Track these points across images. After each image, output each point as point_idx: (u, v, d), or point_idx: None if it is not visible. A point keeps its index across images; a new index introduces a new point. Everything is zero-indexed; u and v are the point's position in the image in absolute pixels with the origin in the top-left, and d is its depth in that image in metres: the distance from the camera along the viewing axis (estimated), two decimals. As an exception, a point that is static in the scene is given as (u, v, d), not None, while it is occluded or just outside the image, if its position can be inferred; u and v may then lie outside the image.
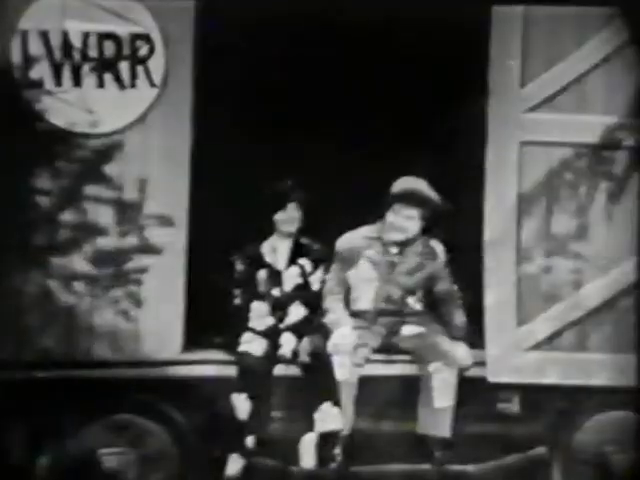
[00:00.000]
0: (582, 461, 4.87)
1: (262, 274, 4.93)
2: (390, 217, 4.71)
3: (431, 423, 4.53)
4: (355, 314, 4.82)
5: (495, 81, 5.03)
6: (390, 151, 5.37)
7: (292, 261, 5.00)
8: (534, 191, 5.04)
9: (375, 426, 4.79)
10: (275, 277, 4.94)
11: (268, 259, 4.98)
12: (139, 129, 5.04)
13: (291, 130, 5.37)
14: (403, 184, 4.70)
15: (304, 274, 4.95)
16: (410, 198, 4.67)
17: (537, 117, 5.05)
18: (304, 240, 5.04)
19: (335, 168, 5.40)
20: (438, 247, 4.90)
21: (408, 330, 4.79)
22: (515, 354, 4.95)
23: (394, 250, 4.78)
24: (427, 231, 4.88)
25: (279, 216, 4.97)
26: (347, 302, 4.83)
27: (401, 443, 4.71)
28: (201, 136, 5.09)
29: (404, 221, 4.71)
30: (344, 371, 4.51)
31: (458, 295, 4.85)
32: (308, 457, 4.63)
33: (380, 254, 4.75)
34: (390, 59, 5.34)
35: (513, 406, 4.93)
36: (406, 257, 4.80)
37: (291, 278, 4.95)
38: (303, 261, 4.97)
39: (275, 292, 4.94)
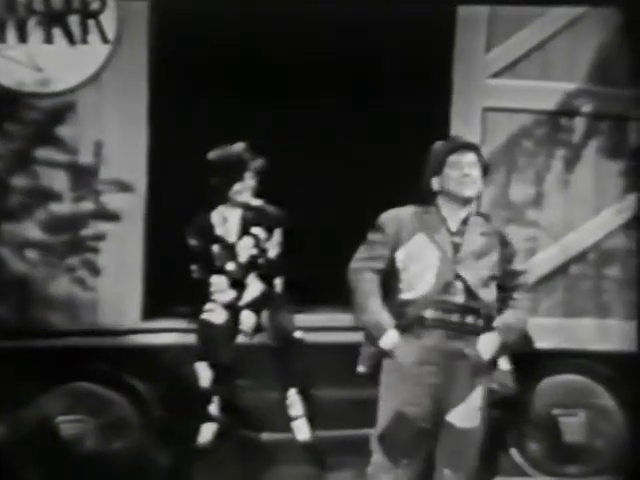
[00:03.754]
0: (533, 423, 5.05)
1: (215, 249, 4.78)
2: (448, 171, 3.74)
3: None
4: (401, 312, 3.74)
5: (461, 46, 4.97)
6: (353, 119, 5.26)
7: (245, 230, 4.77)
8: (494, 158, 5.05)
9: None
10: (229, 250, 4.78)
11: (219, 231, 4.76)
12: (92, 88, 4.83)
13: (250, 91, 5.17)
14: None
15: (258, 244, 4.80)
16: (467, 145, 3.81)
17: (500, 83, 5.04)
18: (256, 203, 4.77)
19: (298, 134, 5.25)
20: (502, 229, 3.91)
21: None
22: (473, 320, 5.05)
23: (454, 225, 3.78)
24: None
25: (236, 187, 4.73)
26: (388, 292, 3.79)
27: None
28: (159, 96, 4.87)
29: (469, 168, 3.74)
30: None
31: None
32: (302, 433, 4.71)
33: (442, 231, 3.76)
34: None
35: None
36: (470, 235, 3.77)
37: (245, 250, 4.77)
38: (256, 230, 4.76)
39: (230, 266, 4.79)
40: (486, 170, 3.87)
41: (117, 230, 4.85)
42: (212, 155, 4.71)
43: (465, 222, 3.82)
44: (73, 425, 4.84)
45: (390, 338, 3.72)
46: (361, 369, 3.87)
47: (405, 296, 3.76)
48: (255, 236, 4.76)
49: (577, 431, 4.99)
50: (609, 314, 5.03)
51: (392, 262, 3.79)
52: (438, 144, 3.88)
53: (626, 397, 4.99)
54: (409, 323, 3.73)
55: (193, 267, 4.78)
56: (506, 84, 5.04)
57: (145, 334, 4.91)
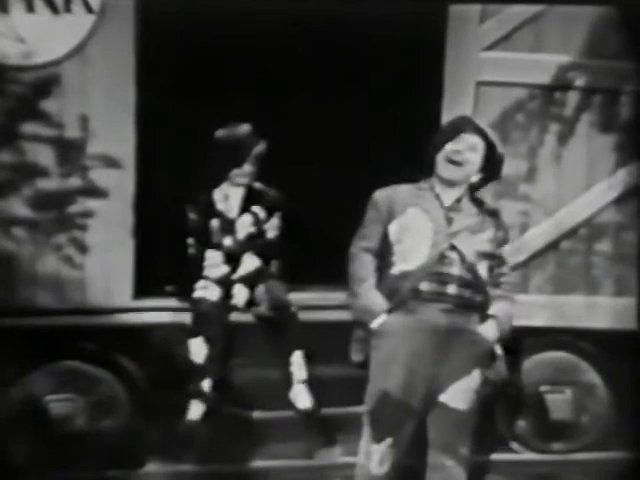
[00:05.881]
0: (519, 400, 5.05)
1: (214, 223, 4.76)
2: (450, 145, 3.69)
3: None
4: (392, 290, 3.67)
5: (455, 18, 4.87)
6: (343, 96, 5.17)
7: (245, 209, 4.80)
8: (488, 132, 4.99)
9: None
10: (228, 226, 4.78)
11: (220, 207, 4.79)
12: (77, 60, 4.67)
13: (241, 65, 5.05)
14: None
15: (257, 222, 4.80)
16: (475, 128, 3.73)
17: (493, 56, 4.96)
18: (258, 185, 4.83)
19: (290, 115, 5.15)
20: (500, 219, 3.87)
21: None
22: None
23: (448, 201, 3.73)
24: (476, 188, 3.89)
25: (235, 172, 4.74)
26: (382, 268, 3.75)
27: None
28: (146, 67, 4.73)
29: (466, 151, 3.70)
30: None
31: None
32: (303, 400, 4.63)
33: (435, 205, 3.69)
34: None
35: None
36: (463, 212, 3.74)
37: (244, 227, 4.80)
38: (256, 209, 4.79)
39: (227, 241, 4.78)
40: (492, 160, 3.84)
41: (105, 207, 4.74)
42: (218, 134, 4.63)
43: (459, 201, 3.79)
44: (62, 404, 4.78)
45: (381, 321, 3.67)
46: (355, 358, 3.84)
47: (399, 269, 3.68)
48: (255, 214, 4.80)
49: (563, 408, 5.01)
50: (599, 291, 5.04)
51: (385, 236, 3.74)
52: (454, 119, 3.85)
53: (613, 374, 5.01)
54: (404, 297, 3.66)
55: (190, 240, 4.75)
56: (499, 57, 4.96)
57: (135, 313, 4.82)
